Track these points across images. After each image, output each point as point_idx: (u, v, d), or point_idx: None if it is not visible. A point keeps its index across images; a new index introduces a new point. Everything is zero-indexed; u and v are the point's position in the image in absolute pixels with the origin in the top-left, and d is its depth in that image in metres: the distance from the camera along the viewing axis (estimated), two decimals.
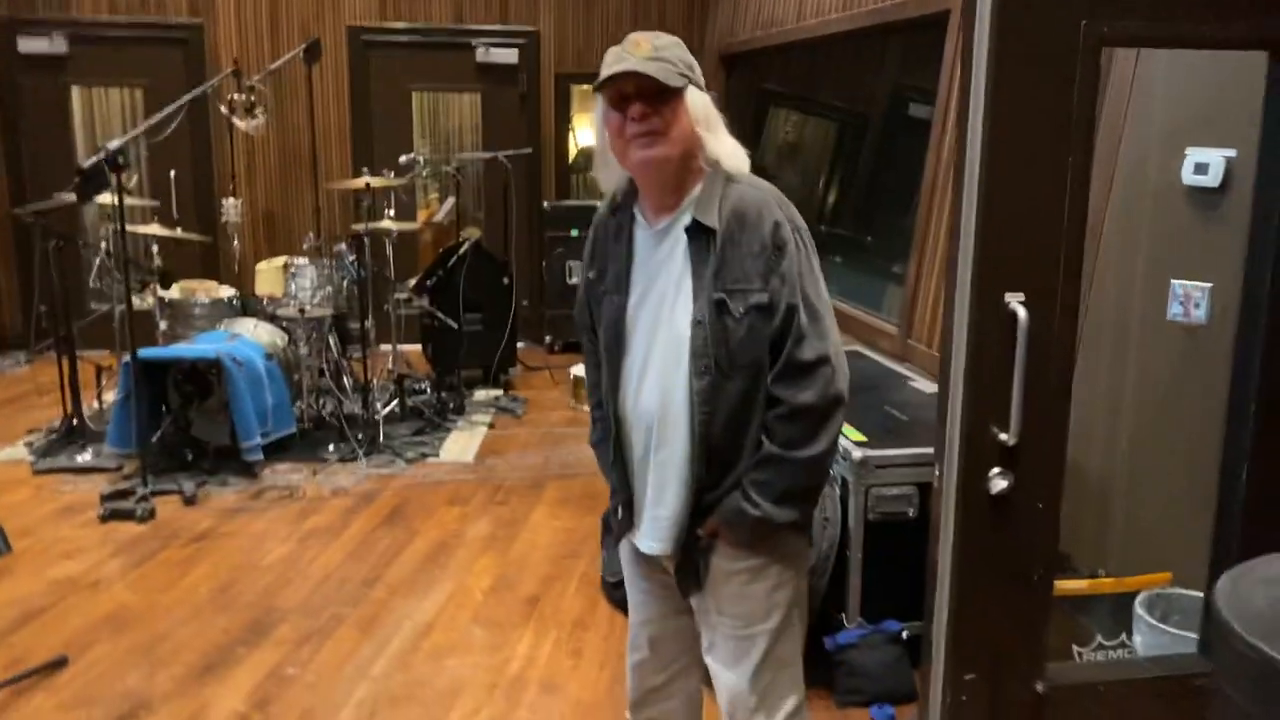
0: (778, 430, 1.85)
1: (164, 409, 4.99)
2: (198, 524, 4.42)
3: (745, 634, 1.97)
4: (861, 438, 3.10)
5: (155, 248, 5.43)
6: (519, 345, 6.74)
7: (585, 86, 7.75)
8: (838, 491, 3.05)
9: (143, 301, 5.41)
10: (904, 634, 2.97)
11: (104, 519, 4.41)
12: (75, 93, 7.21)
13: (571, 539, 4.26)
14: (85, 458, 5.05)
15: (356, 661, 3.32)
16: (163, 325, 5.46)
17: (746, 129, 7.00)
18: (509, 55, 7.40)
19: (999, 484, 2.10)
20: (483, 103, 7.55)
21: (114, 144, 4.18)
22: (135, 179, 6.26)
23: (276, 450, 5.05)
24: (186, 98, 5.03)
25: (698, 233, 1.85)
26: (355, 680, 3.21)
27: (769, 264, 1.83)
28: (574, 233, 7.17)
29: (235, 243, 6.11)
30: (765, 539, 1.91)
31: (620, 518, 2.04)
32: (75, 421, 5.26)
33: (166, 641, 3.44)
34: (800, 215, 1.91)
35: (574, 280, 7.36)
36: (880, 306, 4.87)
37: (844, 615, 3.03)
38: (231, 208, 6.04)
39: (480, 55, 7.34)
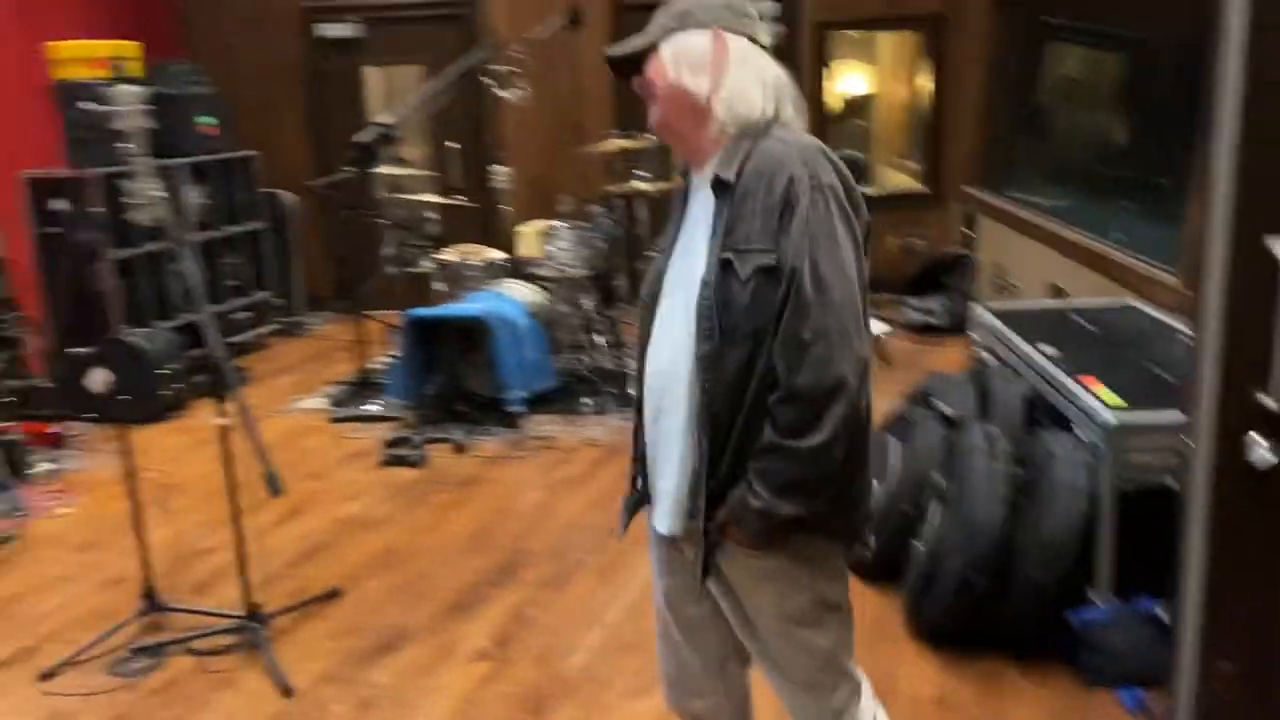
0: (777, 414, 1.65)
1: (437, 364, 5.36)
2: (464, 471, 4.73)
3: (769, 633, 1.83)
4: (1116, 400, 2.82)
5: (430, 214, 5.83)
6: None
7: (848, 33, 7.51)
8: (1083, 457, 2.80)
9: (422, 265, 5.83)
10: (1159, 613, 2.70)
11: (384, 464, 4.82)
12: (370, 72, 7.84)
13: None
14: (373, 407, 5.53)
15: (592, 606, 3.45)
16: (438, 286, 5.86)
17: (1019, 68, 6.51)
18: (768, 6, 7.26)
19: (1260, 454, 1.84)
20: None
21: (385, 120, 4.48)
22: (413, 151, 6.73)
23: (537, 403, 5.31)
24: (450, 73, 5.32)
25: (720, 189, 1.72)
26: (590, 624, 3.34)
27: (780, 223, 1.64)
28: None
29: (504, 207, 6.43)
30: (777, 539, 1.72)
31: (637, 488, 1.94)
32: (364, 375, 5.78)
33: (427, 579, 3.72)
34: (837, 173, 1.68)
35: None
36: (1172, 255, 4.40)
37: (1092, 591, 2.79)
38: (501, 174, 6.36)
39: None
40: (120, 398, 4.89)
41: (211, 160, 6.75)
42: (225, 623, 3.30)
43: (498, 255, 6.06)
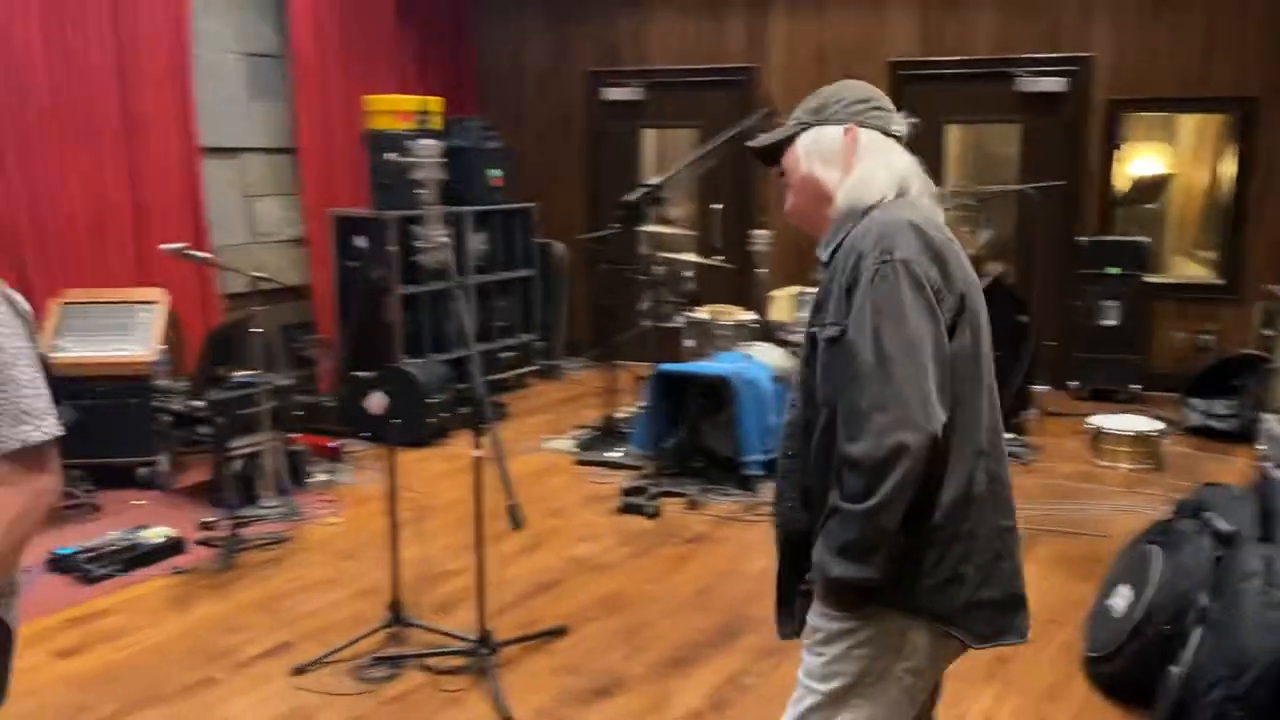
0: (841, 479, 1.70)
1: (680, 419, 5.46)
2: (695, 527, 4.78)
3: (804, 686, 1.86)
4: None
5: (688, 273, 5.99)
6: (1038, 388, 6.35)
7: (1140, 114, 7.09)
8: None
9: (675, 321, 5.99)
10: None
11: (620, 510, 4.95)
12: (647, 134, 8.19)
13: (1060, 602, 3.91)
14: (615, 454, 5.70)
15: None
16: (688, 343, 5.99)
17: None
18: (1054, 83, 7.00)
19: None
20: (1022, 134, 7.24)
21: (652, 180, 4.66)
22: (677, 211, 6.94)
23: (775, 467, 5.27)
24: (721, 137, 5.46)
25: (822, 268, 1.86)
26: None
27: (849, 297, 1.73)
28: (1112, 270, 6.62)
29: (761, 270, 6.51)
30: (846, 604, 1.75)
31: None
32: (610, 422, 5.97)
33: (648, 629, 3.77)
34: (928, 248, 1.71)
35: (1109, 321, 6.77)
36: None
37: None
38: (761, 238, 6.44)
39: (1022, 84, 7.05)
40: (393, 421, 5.30)
41: (494, 210, 7.25)
42: (459, 644, 3.49)
43: (749, 317, 6.12)
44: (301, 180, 6.88)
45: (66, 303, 5.31)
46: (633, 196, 4.83)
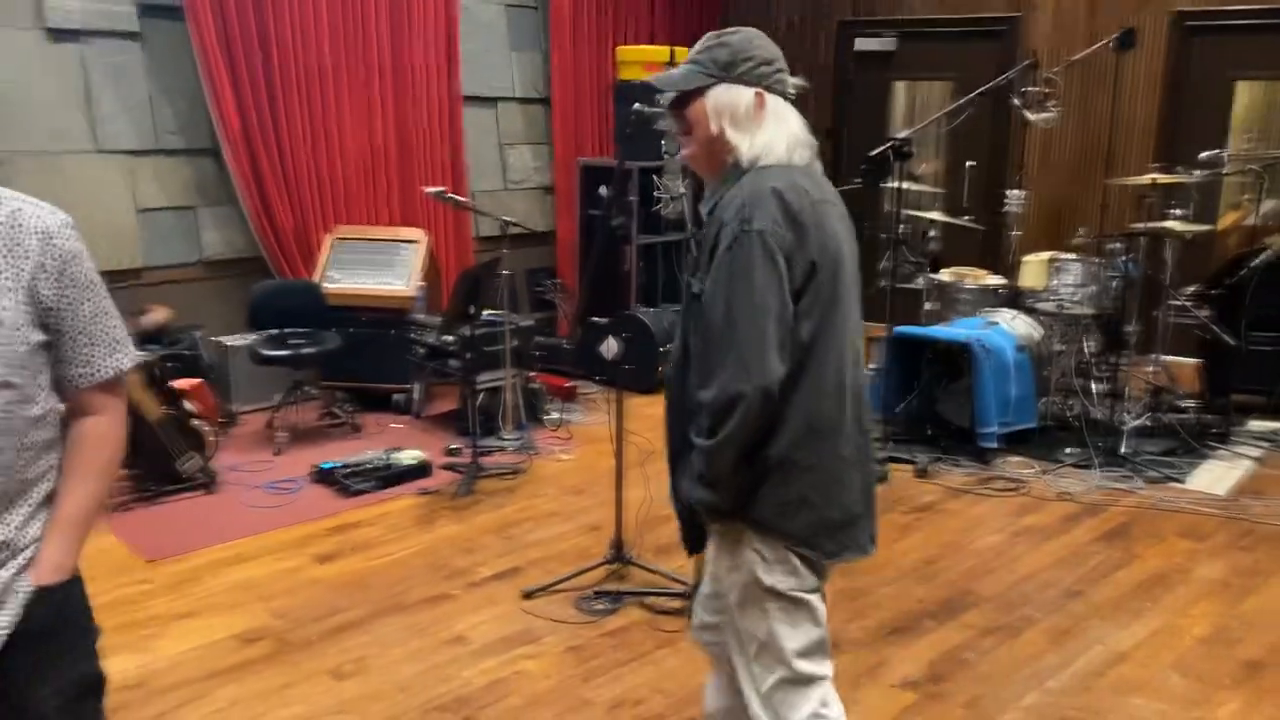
0: (694, 418, 1.95)
1: (915, 383, 5.30)
2: (922, 496, 4.64)
3: (723, 598, 2.12)
4: None
5: (933, 232, 5.76)
6: None
7: None
8: None
9: (916, 282, 5.79)
10: None
11: None
12: (898, 86, 7.90)
13: None
14: None
15: (1035, 667, 3.23)
16: (929, 305, 5.78)
17: None
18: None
19: None
20: None
21: (900, 134, 4.50)
22: (926, 167, 6.67)
23: (1012, 441, 5.04)
24: (976, 92, 5.20)
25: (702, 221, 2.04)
26: (1028, 685, 3.13)
27: (710, 258, 1.93)
28: None
29: (1013, 233, 6.17)
30: (714, 519, 2.04)
31: None
32: None
33: (867, 595, 3.71)
34: (786, 215, 1.88)
35: None
36: None
37: None
38: (1015, 199, 6.10)
39: None
40: (625, 366, 5.44)
41: None
42: (677, 587, 3.57)
43: (996, 282, 5.83)
44: (553, 129, 7.12)
45: (338, 238, 5.76)
46: (879, 151, 4.68)
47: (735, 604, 2.06)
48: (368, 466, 4.70)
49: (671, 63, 6.67)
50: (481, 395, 5.19)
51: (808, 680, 2.06)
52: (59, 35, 5.01)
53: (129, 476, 4.46)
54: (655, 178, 5.99)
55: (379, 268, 5.70)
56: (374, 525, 4.28)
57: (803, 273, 1.90)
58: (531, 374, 5.55)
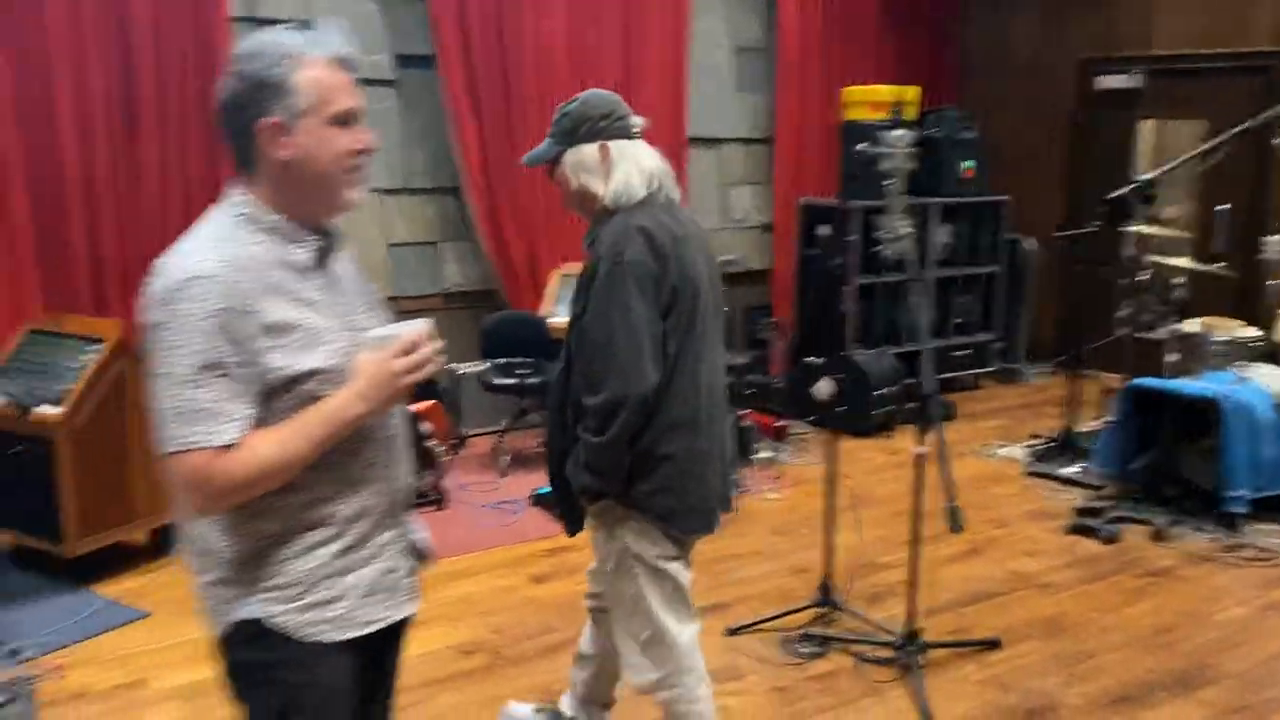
0: (583, 419, 2.35)
1: (1154, 441, 4.96)
2: (1158, 560, 4.34)
3: (603, 566, 2.54)
4: None
5: (1180, 280, 5.39)
6: None
7: None
8: None
9: (1158, 332, 5.43)
10: None
11: (1069, 531, 4.62)
12: (1143, 126, 7.46)
13: None
14: (1071, 470, 5.32)
15: None
16: (1172, 357, 5.41)
17: None
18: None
19: None
20: None
21: (1144, 175, 4.26)
22: (1173, 211, 6.25)
23: (1264, 508, 4.63)
24: (1233, 131, 4.86)
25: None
26: None
27: (589, 288, 2.33)
28: None
29: (1271, 282, 5.69)
30: (591, 502, 2.45)
31: None
32: (1069, 435, 5.58)
33: (1092, 660, 3.50)
34: (651, 248, 2.28)
35: None
36: None
37: None
38: (1274, 245, 5.63)
39: None
40: (838, 409, 5.39)
41: (964, 202, 7.04)
42: (885, 636, 3.48)
43: (1251, 334, 5.39)
44: (774, 169, 7.16)
45: (564, 274, 6.01)
46: (1120, 192, 4.45)
47: (611, 570, 2.49)
48: None
49: (899, 103, 6.60)
50: None
51: (673, 635, 2.47)
52: None
53: None
54: (877, 217, 5.92)
55: None
56: (586, 550, 4.33)
57: (668, 295, 2.31)
58: (742, 411, 5.57)
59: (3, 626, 3.37)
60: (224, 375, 1.55)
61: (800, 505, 4.90)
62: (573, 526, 2.60)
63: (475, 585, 4.07)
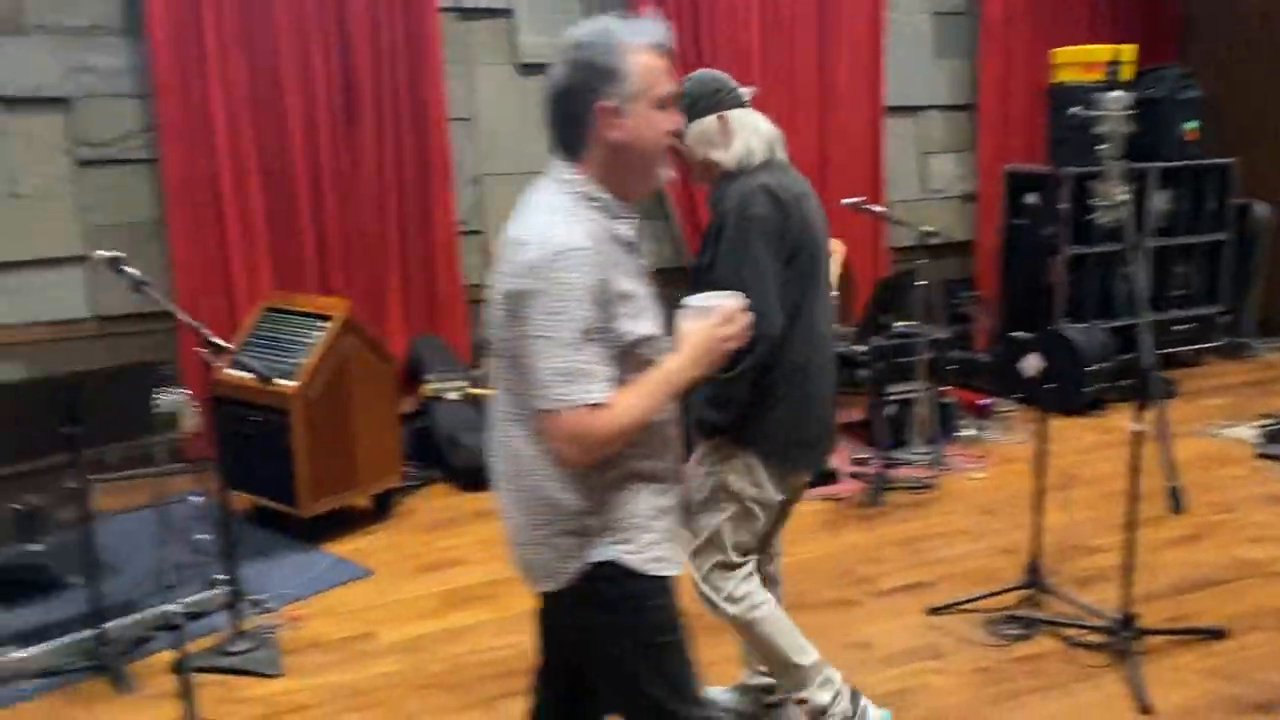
0: None
1: None
2: None
3: (694, 490, 2.66)
4: None
5: None
6: None
7: None
8: None
9: None
10: None
11: None
12: None
13: None
14: None
15: None
16: None
17: None
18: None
19: None
20: None
21: None
22: None
23: None
24: None
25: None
26: None
27: (717, 239, 2.51)
28: None
29: None
30: (706, 435, 2.62)
31: None
32: None
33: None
34: (775, 205, 2.48)
35: None
36: None
37: None
38: None
39: None
40: (1047, 386, 5.16)
41: (1186, 166, 6.57)
42: (1097, 621, 3.34)
43: None
44: (977, 136, 6.90)
45: None
46: None
47: (699, 500, 2.64)
48: None
49: (1115, 63, 6.21)
50: (892, 406, 5.16)
51: (736, 566, 2.66)
52: (527, 70, 5.69)
53: None
54: (1090, 184, 5.60)
55: None
56: None
57: (790, 246, 2.49)
58: (944, 388, 5.42)
59: (246, 580, 3.70)
60: (596, 340, 1.72)
61: (1007, 484, 4.74)
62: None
63: None
